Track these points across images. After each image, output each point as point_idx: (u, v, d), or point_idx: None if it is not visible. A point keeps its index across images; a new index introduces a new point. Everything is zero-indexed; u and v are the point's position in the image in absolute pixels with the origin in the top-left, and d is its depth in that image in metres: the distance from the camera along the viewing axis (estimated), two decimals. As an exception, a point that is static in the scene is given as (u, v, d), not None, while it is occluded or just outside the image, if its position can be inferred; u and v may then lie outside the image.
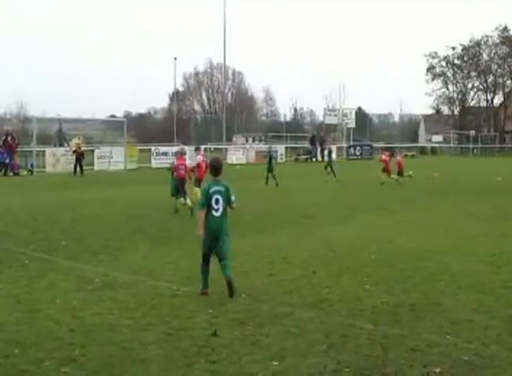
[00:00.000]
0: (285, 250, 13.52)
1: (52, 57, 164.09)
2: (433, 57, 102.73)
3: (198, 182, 21.80)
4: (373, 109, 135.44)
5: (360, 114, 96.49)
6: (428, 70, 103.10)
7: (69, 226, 17.28)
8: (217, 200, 9.97)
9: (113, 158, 44.96)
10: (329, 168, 36.57)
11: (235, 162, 53.15)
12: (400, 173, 34.24)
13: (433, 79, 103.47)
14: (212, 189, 10.06)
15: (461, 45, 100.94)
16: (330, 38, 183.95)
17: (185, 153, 22.83)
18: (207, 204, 9.98)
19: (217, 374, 6.61)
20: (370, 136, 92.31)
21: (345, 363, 6.91)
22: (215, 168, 10.43)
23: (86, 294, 9.87)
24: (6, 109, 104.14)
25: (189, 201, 20.01)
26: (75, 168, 40.00)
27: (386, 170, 33.84)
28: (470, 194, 27.21)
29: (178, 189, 20.58)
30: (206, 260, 10.14)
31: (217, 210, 9.96)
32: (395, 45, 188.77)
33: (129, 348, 7.42)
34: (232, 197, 10.10)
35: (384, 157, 34.61)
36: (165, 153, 51.48)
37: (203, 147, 44.42)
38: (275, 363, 6.90)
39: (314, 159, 61.66)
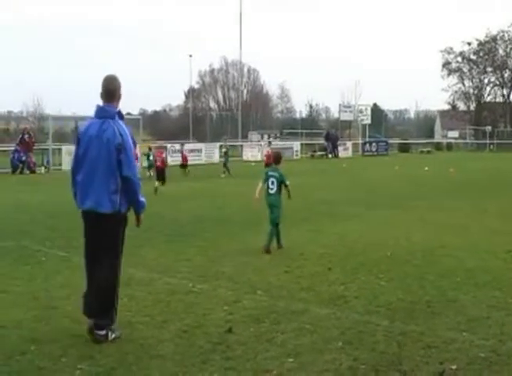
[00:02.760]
0: (301, 246, 13.51)
1: (67, 55, 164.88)
2: (449, 53, 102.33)
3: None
4: (388, 105, 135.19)
5: (375, 110, 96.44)
6: (444, 65, 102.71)
7: (73, 221, 17.28)
8: (272, 182, 13.37)
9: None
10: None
11: (250, 159, 53.07)
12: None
13: (449, 75, 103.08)
14: (269, 174, 13.52)
15: (477, 40, 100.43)
16: (346, 35, 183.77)
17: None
18: (265, 183, 13.48)
19: (232, 370, 6.61)
20: (386, 132, 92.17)
21: (361, 359, 6.90)
22: (277, 158, 14.06)
23: (102, 291, 9.89)
24: (23, 107, 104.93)
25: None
26: None
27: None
28: (487, 190, 27.12)
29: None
30: (273, 227, 13.30)
31: (272, 189, 13.41)
32: (411, 41, 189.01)
33: (145, 344, 7.44)
34: (287, 182, 13.42)
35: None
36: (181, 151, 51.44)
37: (218, 144, 44.48)
38: (291, 359, 6.90)
39: (330, 156, 61.60)
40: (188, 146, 54.25)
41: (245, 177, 34.23)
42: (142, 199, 7.85)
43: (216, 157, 51.36)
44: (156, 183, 26.73)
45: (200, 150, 52.98)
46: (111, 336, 7.57)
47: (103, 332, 7.51)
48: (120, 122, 7.70)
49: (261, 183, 13.59)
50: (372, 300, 9.34)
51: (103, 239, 7.70)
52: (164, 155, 30.76)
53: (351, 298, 9.48)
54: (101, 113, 7.71)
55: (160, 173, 27.77)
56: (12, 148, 42.62)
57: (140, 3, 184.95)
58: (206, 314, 8.63)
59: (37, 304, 9.22)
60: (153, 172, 29.27)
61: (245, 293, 9.71)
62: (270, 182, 13.40)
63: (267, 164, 32.52)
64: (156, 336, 7.74)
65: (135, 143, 7.98)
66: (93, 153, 7.58)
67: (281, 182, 13.37)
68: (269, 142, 39.50)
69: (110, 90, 7.78)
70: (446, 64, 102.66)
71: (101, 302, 7.66)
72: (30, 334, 7.85)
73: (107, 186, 7.54)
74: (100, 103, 7.83)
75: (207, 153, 52.31)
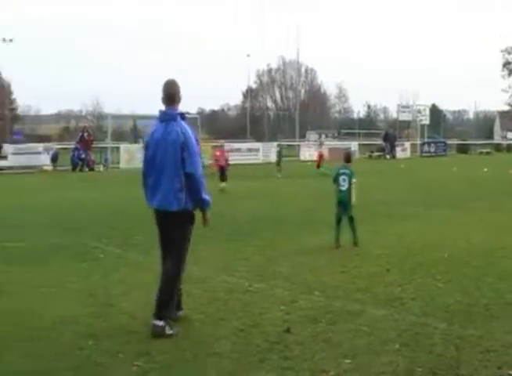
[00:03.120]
0: (358, 247, 13.43)
1: (126, 55, 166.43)
2: (509, 53, 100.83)
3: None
4: (447, 105, 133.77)
5: (434, 111, 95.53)
6: (504, 65, 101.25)
7: (142, 221, 17.43)
8: (343, 179, 13.85)
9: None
10: None
11: (307, 159, 52.96)
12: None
13: (509, 75, 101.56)
14: (341, 171, 13.98)
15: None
16: (404, 34, 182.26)
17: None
18: (336, 180, 13.95)
19: (289, 370, 6.59)
20: (444, 133, 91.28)
21: (418, 362, 6.82)
22: (348, 157, 14.67)
23: (159, 288, 9.95)
24: (82, 106, 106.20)
25: None
26: None
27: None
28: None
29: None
30: (338, 221, 13.86)
31: (343, 186, 13.86)
32: (470, 40, 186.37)
33: (202, 342, 7.46)
34: (354, 179, 13.87)
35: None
36: (238, 150, 51.64)
37: (275, 143, 44.55)
38: (348, 360, 6.85)
39: (387, 156, 61.20)
40: (245, 146, 54.45)
41: (301, 177, 34.21)
42: (206, 197, 8.13)
43: (273, 157, 51.41)
44: (222, 184, 26.92)
45: (257, 150, 53.08)
46: (168, 331, 7.74)
47: (161, 323, 7.75)
48: (183, 122, 8.07)
49: (334, 184, 14.11)
50: (429, 302, 9.24)
51: (171, 235, 8.13)
52: (226, 154, 30.63)
53: (408, 299, 9.38)
54: (164, 116, 8.14)
55: (222, 172, 27.94)
56: (72, 146, 43.23)
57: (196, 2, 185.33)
58: (262, 313, 8.62)
59: (94, 300, 9.32)
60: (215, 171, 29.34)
61: (301, 293, 9.68)
62: (341, 180, 13.89)
63: (318, 165, 36.54)
64: (212, 334, 7.76)
65: (197, 142, 8.24)
66: (160, 155, 8.00)
67: (350, 180, 13.87)
68: (320, 143, 39.77)
69: (171, 94, 8.19)
70: (506, 64, 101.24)
71: (162, 294, 7.96)
72: (88, 329, 7.93)
73: (173, 184, 7.94)
74: (162, 106, 8.17)
75: (264, 152, 52.37)
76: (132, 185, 31.19)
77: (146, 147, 8.26)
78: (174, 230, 8.11)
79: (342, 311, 8.73)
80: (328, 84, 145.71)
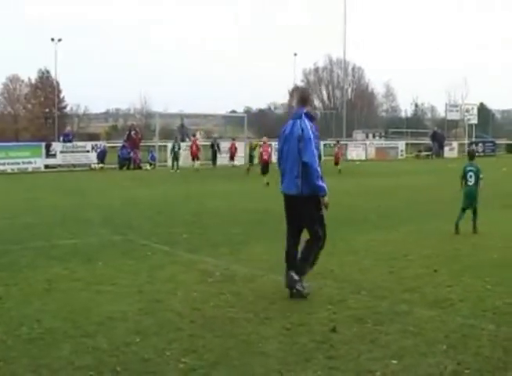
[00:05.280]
0: (406, 247, 13.36)
1: (176, 55, 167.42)
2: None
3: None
4: (496, 104, 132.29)
5: (482, 110, 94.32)
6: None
7: (190, 219, 17.56)
8: (470, 176, 15.57)
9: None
10: None
11: (355, 158, 52.80)
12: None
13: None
14: (467, 168, 15.70)
15: None
16: (451, 31, 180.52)
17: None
18: (463, 176, 15.68)
19: (335, 370, 6.57)
20: (493, 133, 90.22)
21: (465, 364, 6.76)
22: (472, 154, 16.60)
23: (206, 286, 10.01)
24: (130, 104, 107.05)
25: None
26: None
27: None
28: None
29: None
30: (462, 211, 15.61)
31: (470, 181, 15.59)
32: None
33: (248, 341, 7.48)
34: (481, 175, 15.58)
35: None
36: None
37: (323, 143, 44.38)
38: (394, 361, 6.82)
39: (434, 156, 60.72)
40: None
41: (351, 175, 34.09)
42: (321, 183, 9.35)
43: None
44: (265, 178, 29.45)
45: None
46: (299, 287, 9.31)
47: (297, 277, 9.34)
48: (306, 120, 9.48)
49: (460, 178, 15.84)
50: (478, 303, 9.15)
51: (296, 215, 9.62)
52: (269, 149, 33.37)
53: (456, 300, 9.30)
54: (294, 115, 9.74)
55: (265, 166, 31.25)
56: (120, 144, 43.59)
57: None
58: (310, 313, 8.60)
59: (142, 297, 9.38)
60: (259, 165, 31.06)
61: (349, 292, 9.67)
62: (468, 176, 15.60)
63: (336, 163, 38.30)
64: (259, 332, 7.76)
65: (318, 138, 9.58)
66: (287, 147, 9.56)
67: (478, 175, 15.55)
68: (337, 141, 40.54)
69: (302, 97, 9.89)
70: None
71: (302, 254, 9.59)
72: (136, 326, 8.00)
73: (292, 172, 9.41)
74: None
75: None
76: (179, 183, 31.50)
77: (280, 141, 9.80)
78: (298, 211, 9.55)
79: (389, 311, 8.69)
80: (375, 82, 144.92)
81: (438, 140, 62.53)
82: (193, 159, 41.35)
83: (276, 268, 11.10)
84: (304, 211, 9.49)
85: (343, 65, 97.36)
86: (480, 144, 68.71)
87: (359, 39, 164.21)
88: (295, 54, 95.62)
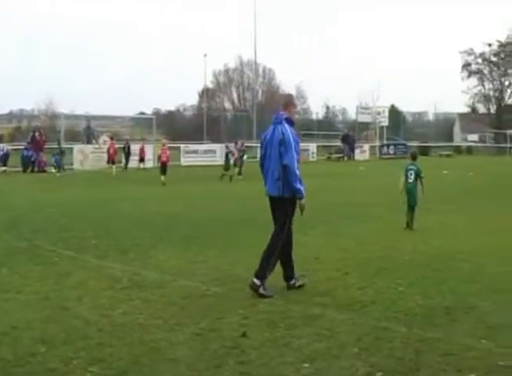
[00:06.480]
0: (317, 250, 13.48)
1: (80, 54, 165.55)
2: (469, 54, 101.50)
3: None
4: (407, 107, 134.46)
5: (394, 112, 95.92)
6: (464, 67, 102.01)
7: (99, 224, 17.39)
8: (411, 174, 17.02)
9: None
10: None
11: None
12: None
13: (469, 76, 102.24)
14: (409, 167, 17.17)
15: (498, 41, 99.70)
16: (363, 35, 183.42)
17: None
18: (405, 175, 17.12)
19: (247, 375, 6.59)
20: (404, 135, 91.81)
21: (378, 366, 6.85)
22: (415, 155, 18.18)
23: (115, 293, 9.92)
24: (35, 105, 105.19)
25: None
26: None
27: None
28: (508, 195, 26.93)
29: None
30: (408, 208, 17.04)
31: (410, 179, 17.04)
32: (430, 42, 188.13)
33: (158, 348, 7.43)
34: (422, 174, 17.02)
35: None
36: (195, 151, 51.58)
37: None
38: (306, 365, 6.87)
39: (345, 158, 61.53)
40: (202, 147, 54.44)
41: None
42: (299, 186, 9.91)
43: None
44: (162, 178, 32.08)
45: (214, 151, 53.06)
46: (262, 291, 9.74)
47: (258, 282, 9.80)
48: (286, 125, 10.06)
49: (403, 177, 17.26)
50: (390, 305, 9.27)
51: (276, 215, 10.28)
52: (168, 152, 34.87)
53: (368, 303, 9.41)
54: (275, 120, 10.29)
55: (163, 167, 33.11)
56: (23, 146, 42.92)
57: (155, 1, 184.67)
58: (220, 318, 8.60)
59: (49, 304, 9.24)
60: None
61: (261, 297, 9.70)
62: (409, 174, 17.06)
63: (235, 165, 37.58)
64: (169, 339, 7.73)
65: (297, 142, 10.13)
66: (269, 151, 10.15)
67: (417, 174, 16.98)
68: (236, 143, 39.75)
69: (283, 103, 10.49)
70: (466, 66, 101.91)
71: (263, 257, 10.09)
72: (42, 335, 7.87)
73: (274, 175, 10.01)
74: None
75: (222, 154, 52.29)
76: (86, 187, 31.14)
77: (261, 146, 10.40)
78: (278, 211, 10.19)
79: (302, 315, 8.75)
80: (286, 84, 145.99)
81: (349, 143, 63.43)
82: (110, 162, 40.89)
83: (185, 273, 11.14)
84: (282, 210, 10.14)
85: (253, 66, 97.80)
86: (391, 146, 70.06)
87: (270, 40, 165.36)
88: (205, 55, 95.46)
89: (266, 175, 10.24)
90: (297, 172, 9.87)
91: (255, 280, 9.81)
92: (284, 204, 10.06)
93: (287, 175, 9.82)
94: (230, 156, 36.81)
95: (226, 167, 35.96)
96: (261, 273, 9.88)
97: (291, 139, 9.91)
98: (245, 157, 38.40)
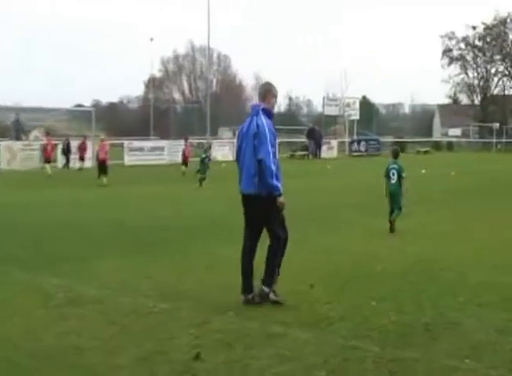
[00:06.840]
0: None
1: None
2: (450, 38, 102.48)
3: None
4: (380, 98, 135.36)
5: (365, 104, 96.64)
6: (444, 52, 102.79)
7: (27, 232, 17.22)
8: (393, 173, 17.46)
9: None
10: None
11: (220, 159, 52.67)
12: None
13: (450, 64, 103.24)
14: (390, 166, 17.64)
15: (483, 23, 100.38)
16: (331, 18, 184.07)
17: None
18: (387, 174, 17.60)
19: (200, 404, 6.57)
20: (377, 130, 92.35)
21: (347, 390, 6.87)
22: (396, 153, 18.50)
23: (47, 311, 9.81)
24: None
25: None
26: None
27: None
28: (493, 197, 27.16)
29: None
30: (390, 212, 17.43)
31: (393, 179, 17.46)
32: (406, 26, 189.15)
33: (96, 373, 7.37)
34: (403, 174, 17.44)
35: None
36: (140, 149, 51.30)
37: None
38: (267, 390, 6.86)
39: (310, 156, 61.67)
40: (148, 144, 54.18)
41: (217, 179, 34.10)
42: (275, 182, 10.13)
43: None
44: (104, 179, 32.56)
45: (162, 148, 52.83)
46: (274, 297, 10.20)
47: (267, 289, 10.22)
48: (262, 117, 10.28)
49: (385, 178, 17.76)
50: (361, 322, 9.28)
51: (256, 217, 10.45)
52: (107, 148, 35.24)
53: (336, 320, 9.41)
54: (251, 110, 10.70)
55: (102, 166, 33.47)
56: None
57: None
58: (169, 338, 8.53)
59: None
60: None
61: (213, 314, 9.63)
62: (391, 174, 17.50)
63: (186, 163, 39.36)
64: (108, 363, 7.65)
65: (274, 135, 10.28)
66: (244, 145, 10.38)
67: (400, 174, 17.40)
68: (186, 139, 40.04)
69: (261, 93, 10.84)
70: (447, 51, 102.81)
71: (267, 264, 10.43)
72: (-38, 361, 7.77)
73: (249, 171, 10.18)
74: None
75: (170, 151, 52.04)
76: (20, 189, 30.82)
77: (237, 139, 10.70)
78: (256, 213, 10.37)
79: (261, 334, 8.72)
80: (244, 73, 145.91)
81: (315, 138, 63.56)
82: (46, 162, 40.46)
83: (128, 287, 11.07)
84: (263, 210, 10.28)
85: (207, 52, 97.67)
86: (362, 142, 70.34)
87: (225, 23, 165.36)
88: (151, 39, 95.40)
89: (241, 171, 10.44)
90: (273, 168, 10.05)
91: (264, 288, 10.18)
92: (262, 204, 10.19)
93: (262, 170, 10.01)
94: (207, 161, 35.86)
95: (203, 170, 34.93)
96: (269, 279, 10.29)
97: (266, 131, 10.11)
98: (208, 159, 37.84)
